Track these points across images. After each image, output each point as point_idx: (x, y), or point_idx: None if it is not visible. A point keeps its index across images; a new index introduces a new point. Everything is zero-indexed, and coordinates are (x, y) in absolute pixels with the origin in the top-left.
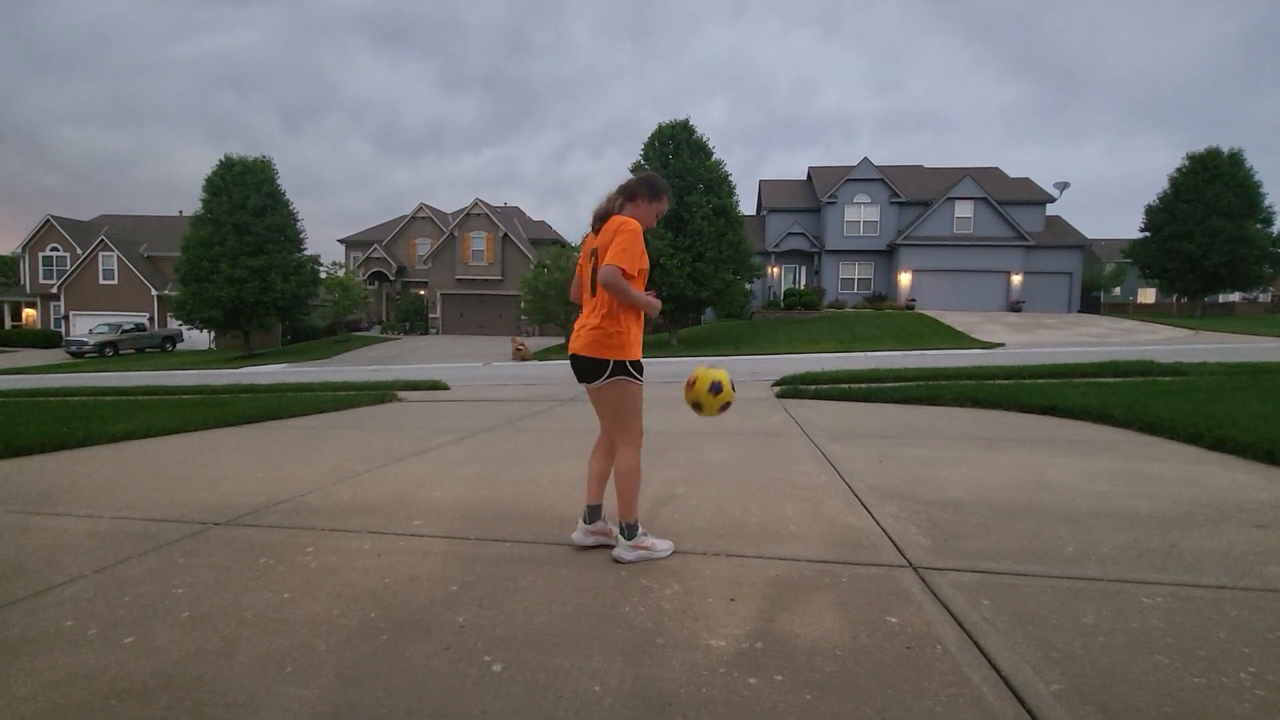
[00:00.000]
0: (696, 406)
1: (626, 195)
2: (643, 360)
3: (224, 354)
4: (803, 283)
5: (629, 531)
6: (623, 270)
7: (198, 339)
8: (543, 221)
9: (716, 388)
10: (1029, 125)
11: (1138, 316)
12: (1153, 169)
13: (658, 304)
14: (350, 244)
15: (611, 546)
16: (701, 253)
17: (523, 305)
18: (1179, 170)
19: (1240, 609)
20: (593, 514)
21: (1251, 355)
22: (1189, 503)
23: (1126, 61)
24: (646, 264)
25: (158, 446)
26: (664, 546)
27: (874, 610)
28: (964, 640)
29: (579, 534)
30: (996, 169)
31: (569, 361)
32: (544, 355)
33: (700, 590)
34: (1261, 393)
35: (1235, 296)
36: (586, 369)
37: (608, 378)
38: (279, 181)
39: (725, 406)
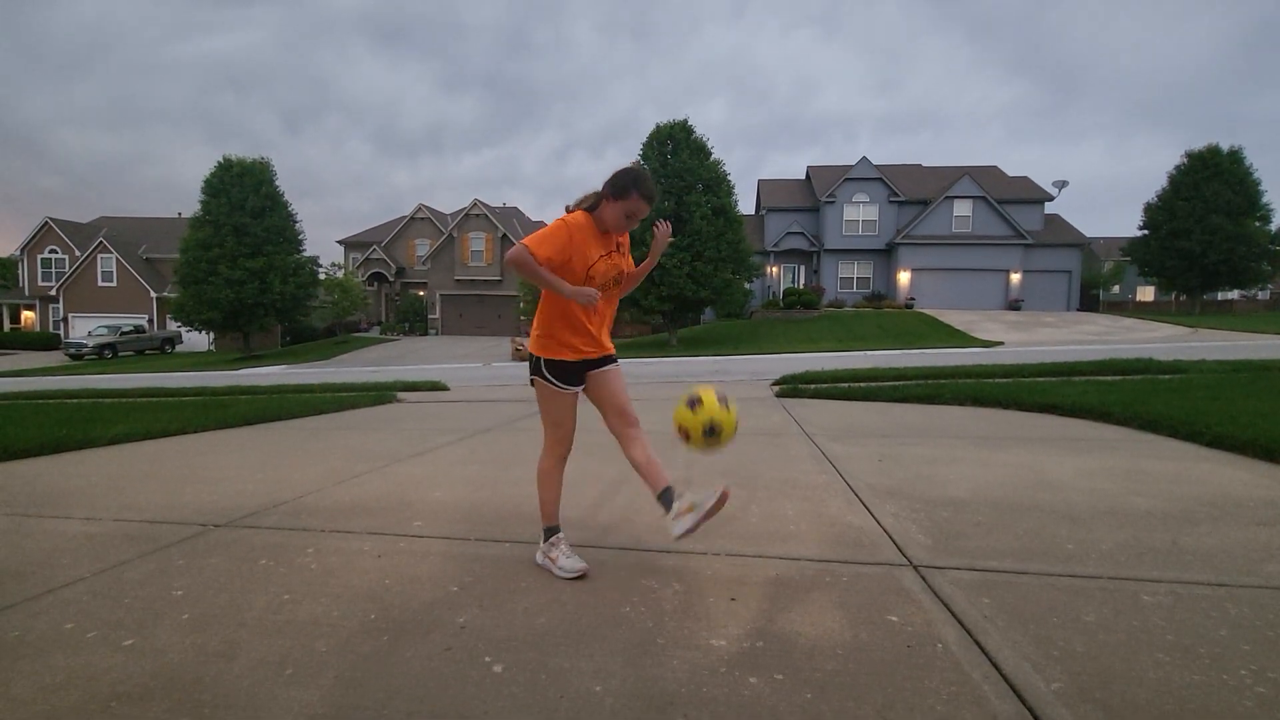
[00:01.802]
0: (712, 432)
1: (599, 196)
2: (564, 364)
3: (223, 356)
4: (802, 282)
5: (544, 534)
6: (529, 250)
7: (197, 341)
8: (541, 222)
9: (715, 418)
10: (1029, 124)
11: (1137, 314)
12: (1152, 167)
13: (580, 291)
14: (349, 245)
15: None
16: (700, 252)
17: (522, 306)
18: (1178, 168)
19: (1241, 606)
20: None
21: (1250, 353)
22: (1188, 500)
23: (1127, 60)
24: (577, 265)
25: (157, 448)
26: (569, 565)
27: (874, 609)
28: (964, 639)
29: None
30: (995, 168)
31: None
32: None
33: (701, 590)
34: (1260, 390)
35: (1234, 294)
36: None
37: (530, 374)
38: (277, 183)
39: (711, 430)
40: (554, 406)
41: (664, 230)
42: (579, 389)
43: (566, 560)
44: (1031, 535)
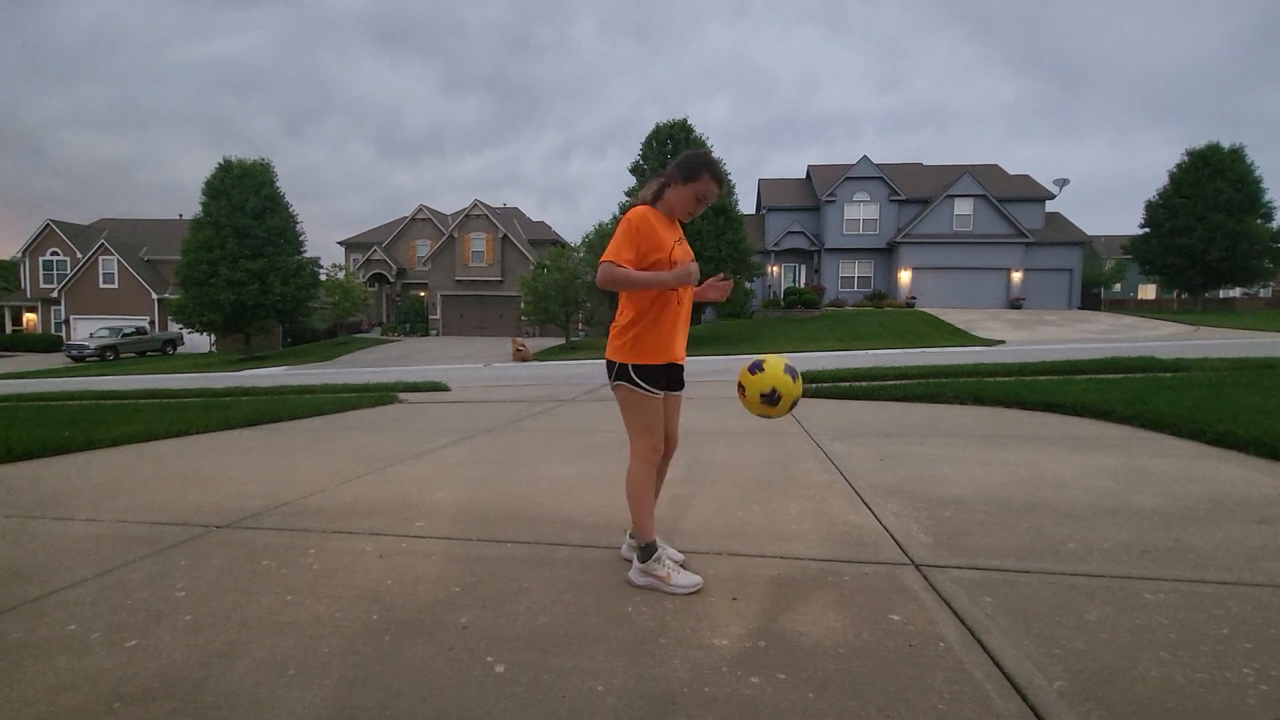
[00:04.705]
0: (770, 399)
1: (664, 183)
2: (653, 368)
3: (224, 357)
4: (803, 281)
5: (641, 553)
6: (612, 261)
7: (198, 342)
8: (542, 222)
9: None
10: (1031, 122)
11: (1138, 313)
12: (1154, 164)
13: (683, 270)
14: (350, 246)
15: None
16: (700, 252)
17: (523, 306)
18: (1179, 166)
19: (1243, 604)
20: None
21: (1252, 350)
22: (1191, 498)
23: (1130, 57)
24: (654, 254)
25: (159, 450)
26: (683, 581)
27: (876, 608)
28: (967, 638)
29: (625, 548)
30: (996, 166)
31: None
32: (544, 356)
33: (703, 589)
34: (1263, 388)
35: (1236, 292)
36: (607, 370)
37: (613, 380)
38: (278, 184)
39: (769, 398)
40: (644, 412)
41: (725, 287)
42: (663, 393)
43: (681, 576)
44: (1033, 534)
